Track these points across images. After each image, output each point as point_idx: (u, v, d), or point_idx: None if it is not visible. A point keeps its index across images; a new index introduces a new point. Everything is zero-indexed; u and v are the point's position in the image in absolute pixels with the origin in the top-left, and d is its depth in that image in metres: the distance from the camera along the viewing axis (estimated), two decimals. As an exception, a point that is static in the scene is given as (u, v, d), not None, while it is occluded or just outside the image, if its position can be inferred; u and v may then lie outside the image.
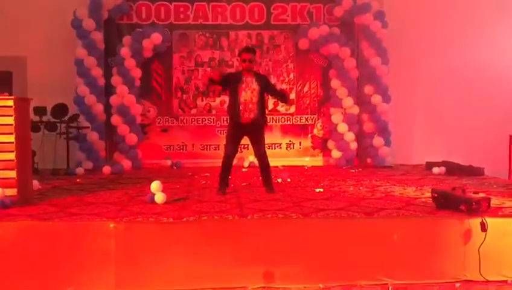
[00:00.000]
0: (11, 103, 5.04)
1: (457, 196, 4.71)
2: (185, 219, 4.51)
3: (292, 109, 9.54)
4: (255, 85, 5.77)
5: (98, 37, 8.74)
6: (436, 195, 4.90)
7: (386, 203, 5.19)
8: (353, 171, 8.42)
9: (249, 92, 5.74)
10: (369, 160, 9.16)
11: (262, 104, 5.87)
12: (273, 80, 9.39)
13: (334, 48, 9.05)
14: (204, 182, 7.09)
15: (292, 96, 9.43)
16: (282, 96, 6.24)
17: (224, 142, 6.23)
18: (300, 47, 9.36)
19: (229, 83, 5.89)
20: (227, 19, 9.36)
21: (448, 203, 4.72)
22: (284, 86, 9.44)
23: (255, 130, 5.86)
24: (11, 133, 5.02)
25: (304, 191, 6.18)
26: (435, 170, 7.99)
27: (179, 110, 9.44)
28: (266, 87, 5.94)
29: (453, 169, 7.87)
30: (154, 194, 5.30)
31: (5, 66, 8.82)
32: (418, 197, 5.56)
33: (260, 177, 6.15)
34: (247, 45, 8.50)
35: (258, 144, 5.92)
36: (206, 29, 9.39)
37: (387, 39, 9.01)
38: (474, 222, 4.46)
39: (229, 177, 6.14)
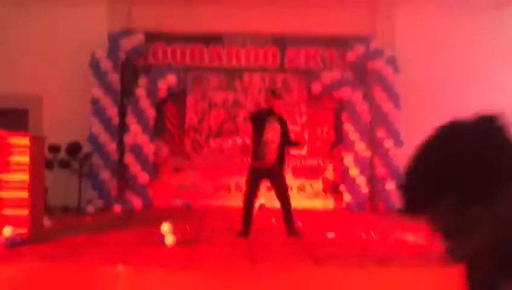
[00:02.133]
0: (26, 141, 5.13)
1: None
2: (194, 264, 4.46)
3: (304, 151, 9.53)
4: (277, 127, 5.84)
5: (115, 78, 8.87)
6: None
7: (399, 251, 5.09)
8: (365, 215, 8.30)
9: (271, 132, 5.79)
10: (381, 204, 9.06)
11: (283, 147, 5.90)
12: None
13: (346, 92, 9.12)
14: (215, 224, 7.02)
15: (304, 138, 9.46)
16: (292, 144, 6.39)
17: (244, 188, 6.10)
18: (313, 91, 9.43)
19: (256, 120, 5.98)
20: (242, 62, 9.52)
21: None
22: (296, 128, 9.48)
23: (275, 174, 5.85)
24: (26, 172, 5.09)
25: (315, 236, 6.08)
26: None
27: (191, 150, 9.48)
28: (285, 133, 5.98)
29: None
30: (164, 236, 5.27)
31: (21, 104, 8.98)
32: (432, 245, 5.45)
33: (283, 222, 5.93)
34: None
35: (280, 187, 5.87)
36: (220, 71, 9.54)
37: (399, 84, 9.06)
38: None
39: (251, 220, 5.93)
